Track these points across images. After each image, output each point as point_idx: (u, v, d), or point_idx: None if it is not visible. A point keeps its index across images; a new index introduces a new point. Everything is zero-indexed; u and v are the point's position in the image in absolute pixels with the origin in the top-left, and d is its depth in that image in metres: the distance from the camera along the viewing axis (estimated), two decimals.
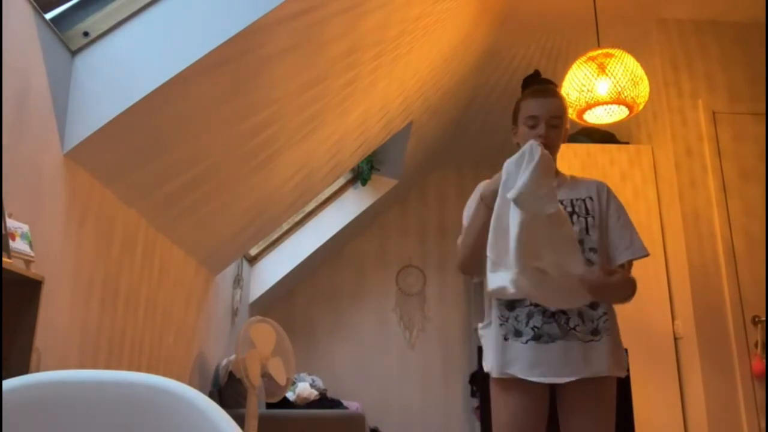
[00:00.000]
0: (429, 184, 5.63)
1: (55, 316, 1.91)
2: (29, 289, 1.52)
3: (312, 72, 2.55)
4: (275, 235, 4.70)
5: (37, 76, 1.78)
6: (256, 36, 2.05)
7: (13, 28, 1.68)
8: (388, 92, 3.39)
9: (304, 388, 3.94)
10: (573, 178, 1.86)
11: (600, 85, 2.84)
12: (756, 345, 3.02)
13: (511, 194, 1.54)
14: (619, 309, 1.77)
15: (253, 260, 4.68)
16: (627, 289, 1.64)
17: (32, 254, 1.62)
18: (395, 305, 5.27)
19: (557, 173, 1.81)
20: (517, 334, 1.69)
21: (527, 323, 1.68)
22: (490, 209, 1.65)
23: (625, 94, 2.82)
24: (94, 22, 1.98)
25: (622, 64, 2.84)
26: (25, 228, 1.63)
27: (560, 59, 3.99)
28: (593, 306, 1.69)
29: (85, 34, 1.96)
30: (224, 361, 3.67)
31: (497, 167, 1.67)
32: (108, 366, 2.28)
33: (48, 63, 1.83)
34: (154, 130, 2.13)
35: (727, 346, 3.04)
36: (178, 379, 2.93)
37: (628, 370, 2.26)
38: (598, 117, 2.98)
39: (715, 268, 3.15)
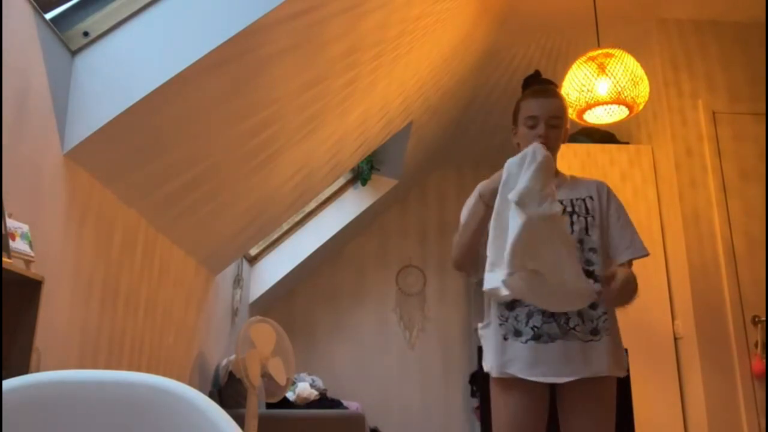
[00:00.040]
0: (429, 184, 5.63)
1: (55, 316, 1.91)
2: (29, 289, 1.52)
3: (312, 72, 2.55)
4: (275, 235, 4.71)
5: (37, 76, 1.78)
6: (256, 36, 2.05)
7: (13, 28, 1.68)
8: (388, 92, 3.39)
9: (304, 388, 3.94)
10: (573, 178, 1.86)
11: (600, 85, 2.84)
12: (756, 345, 3.02)
13: (512, 195, 1.53)
14: (620, 309, 1.77)
15: (253, 260, 4.68)
16: (631, 285, 1.62)
17: (32, 254, 1.62)
18: (395, 305, 5.27)
19: (557, 173, 1.81)
20: (517, 333, 1.69)
21: (527, 323, 1.68)
22: (488, 207, 1.65)
23: (625, 94, 2.82)
24: (94, 22, 1.98)
25: (622, 64, 2.84)
26: (25, 228, 1.63)
27: (560, 59, 3.99)
28: (593, 306, 1.69)
29: (85, 34, 1.96)
30: (224, 361, 3.67)
31: (497, 167, 1.67)
32: (108, 366, 2.28)
33: (48, 63, 1.83)
34: (154, 130, 2.13)
35: (727, 346, 3.04)
36: (178, 379, 2.93)
37: (628, 370, 2.26)
38: (598, 117, 2.98)
39: (715, 268, 3.15)
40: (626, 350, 2.35)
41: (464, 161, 5.53)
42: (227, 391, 3.58)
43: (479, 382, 4.72)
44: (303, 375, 4.28)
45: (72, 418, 0.75)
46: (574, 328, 1.66)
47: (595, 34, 3.32)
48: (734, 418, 2.95)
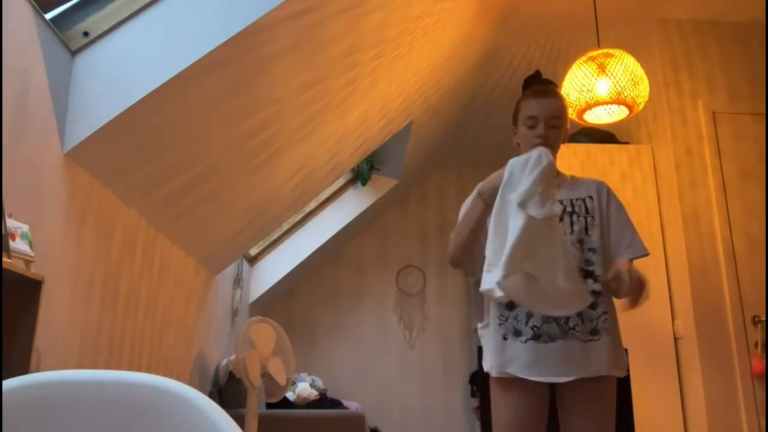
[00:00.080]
0: (429, 184, 5.63)
1: (55, 316, 1.91)
2: (29, 289, 1.52)
3: (312, 72, 2.55)
4: (275, 235, 4.71)
5: (37, 76, 1.78)
6: (256, 36, 2.05)
7: (13, 28, 1.68)
8: (388, 92, 3.39)
9: (304, 388, 3.94)
10: (573, 178, 1.86)
11: (600, 85, 2.84)
12: (756, 345, 3.02)
13: (515, 196, 1.53)
14: (620, 309, 1.77)
15: (253, 260, 4.68)
16: (636, 277, 1.61)
17: (32, 254, 1.62)
18: (395, 305, 5.27)
19: (557, 173, 1.81)
20: (517, 333, 1.69)
21: (527, 323, 1.68)
22: (487, 205, 1.65)
23: (625, 94, 2.82)
24: (94, 22, 1.98)
25: (622, 64, 2.84)
26: (25, 228, 1.63)
27: (560, 59, 3.99)
28: (592, 306, 1.69)
29: (85, 34, 1.96)
30: (224, 361, 3.67)
31: (497, 167, 1.67)
32: (108, 366, 2.28)
33: (48, 63, 1.83)
34: (154, 130, 2.14)
35: (727, 346, 3.04)
36: (178, 379, 2.93)
37: (628, 370, 2.26)
38: (598, 117, 2.98)
39: (715, 268, 3.15)
40: (626, 350, 2.35)
41: (464, 161, 5.53)
42: (227, 391, 3.58)
43: (479, 382, 4.72)
44: (303, 375, 4.28)
45: (72, 418, 0.75)
46: (573, 328, 1.66)
47: (595, 34, 3.32)
48: (734, 418, 2.95)
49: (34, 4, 1.78)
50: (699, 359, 3.03)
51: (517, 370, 1.67)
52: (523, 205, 1.52)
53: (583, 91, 2.86)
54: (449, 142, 5.14)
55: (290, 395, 3.86)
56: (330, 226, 4.77)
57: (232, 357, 3.50)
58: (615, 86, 2.81)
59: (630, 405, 3.08)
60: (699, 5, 3.47)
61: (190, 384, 3.28)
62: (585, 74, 2.87)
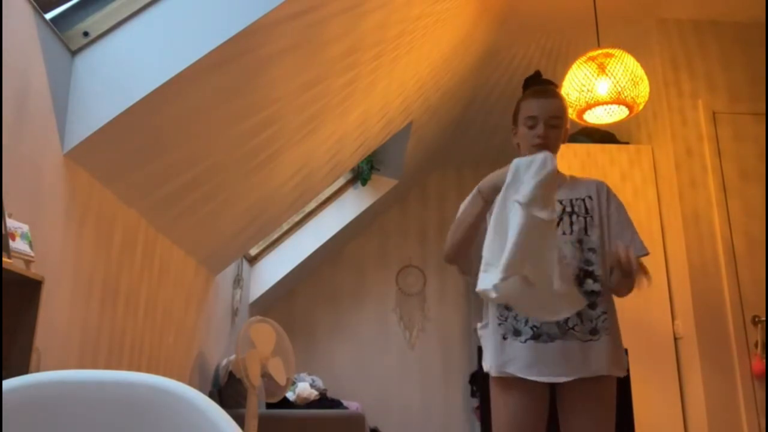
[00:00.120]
0: (429, 184, 5.63)
1: (55, 316, 1.91)
2: (29, 289, 1.52)
3: (312, 72, 2.55)
4: (275, 235, 4.71)
5: (37, 76, 1.78)
6: (256, 36, 2.05)
7: (13, 28, 1.68)
8: (388, 92, 3.39)
9: (304, 388, 3.94)
10: (572, 178, 1.86)
11: (600, 85, 2.84)
12: (756, 345, 3.02)
13: (519, 197, 1.52)
14: (620, 309, 1.77)
15: (253, 260, 4.68)
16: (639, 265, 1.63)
17: (32, 254, 1.62)
18: (395, 305, 5.27)
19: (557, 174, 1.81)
20: (516, 333, 1.69)
21: (526, 322, 1.68)
22: (486, 203, 1.65)
23: (625, 94, 2.82)
24: (94, 22, 1.98)
25: (622, 64, 2.84)
26: (25, 228, 1.63)
27: (560, 59, 3.99)
28: (592, 306, 1.69)
29: (85, 34, 1.96)
30: (224, 361, 3.68)
31: (497, 167, 1.67)
32: (108, 366, 2.28)
33: (48, 63, 1.83)
34: (154, 130, 2.14)
35: (727, 346, 3.04)
36: (178, 379, 2.93)
37: (628, 370, 2.26)
38: (598, 117, 2.98)
39: (715, 268, 3.15)
40: (626, 350, 2.35)
41: (464, 161, 5.53)
42: (227, 391, 3.58)
43: (479, 382, 4.72)
44: (303, 375, 4.28)
45: (72, 418, 0.75)
46: (573, 328, 1.66)
47: (595, 34, 3.32)
48: (734, 418, 2.95)
49: (34, 4, 1.78)
50: (699, 359, 3.03)
51: (517, 369, 1.67)
52: (524, 206, 1.51)
53: (583, 91, 2.86)
54: (449, 142, 5.14)
55: (290, 395, 3.86)
56: (330, 226, 4.77)
57: (232, 357, 3.50)
58: (615, 86, 2.81)
59: (630, 405, 3.08)
60: (699, 5, 3.47)
61: (190, 384, 3.28)
62: (585, 74, 2.87)
